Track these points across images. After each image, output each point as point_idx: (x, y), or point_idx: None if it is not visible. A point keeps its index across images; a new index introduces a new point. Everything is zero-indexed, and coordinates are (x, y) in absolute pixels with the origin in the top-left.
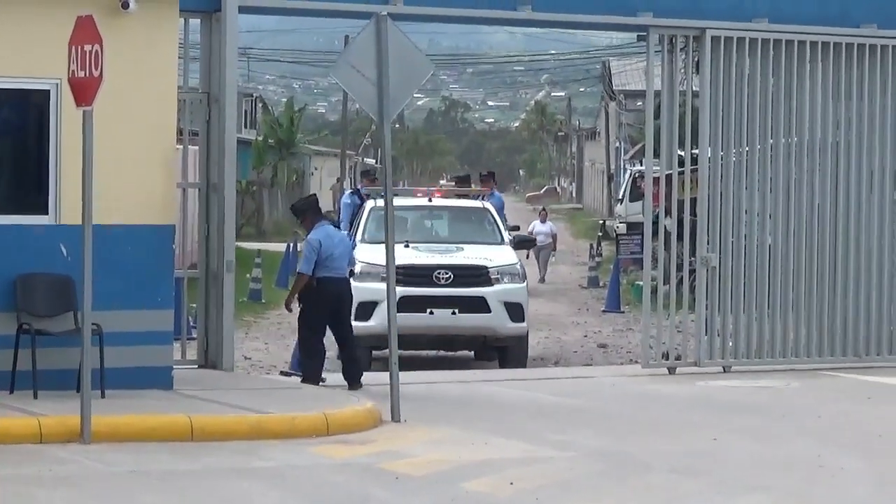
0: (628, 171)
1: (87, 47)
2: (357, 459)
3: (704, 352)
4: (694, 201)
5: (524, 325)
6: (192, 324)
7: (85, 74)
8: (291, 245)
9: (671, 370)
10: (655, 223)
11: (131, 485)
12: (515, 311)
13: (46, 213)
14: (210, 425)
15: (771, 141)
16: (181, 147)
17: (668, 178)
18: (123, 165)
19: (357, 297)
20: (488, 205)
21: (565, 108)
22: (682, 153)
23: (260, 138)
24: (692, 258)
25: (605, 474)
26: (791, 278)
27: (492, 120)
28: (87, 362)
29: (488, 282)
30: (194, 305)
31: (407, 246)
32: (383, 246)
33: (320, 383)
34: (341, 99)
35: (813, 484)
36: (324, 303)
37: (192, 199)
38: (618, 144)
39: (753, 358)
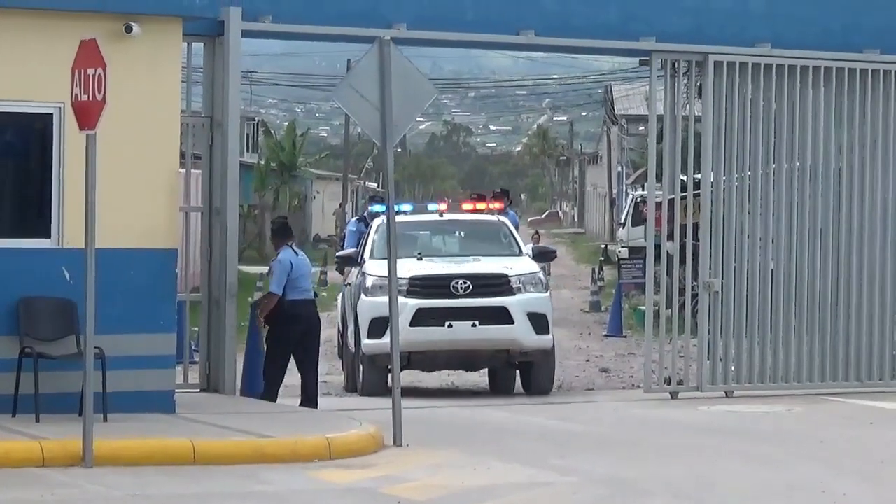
0: (630, 196)
1: (91, 71)
2: (359, 484)
3: (706, 377)
4: (696, 226)
5: (549, 337)
6: (194, 347)
7: (88, 98)
8: None
9: (673, 395)
10: (658, 248)
11: None
12: (540, 322)
13: (49, 237)
14: (212, 449)
15: (773, 165)
16: (184, 171)
17: (671, 202)
18: (126, 189)
19: (370, 314)
20: (504, 218)
21: (567, 132)
22: (685, 178)
23: (262, 162)
24: (694, 283)
25: (607, 499)
26: (793, 303)
27: (494, 144)
28: (89, 386)
29: (510, 291)
30: (196, 329)
31: (420, 258)
32: (399, 261)
33: None
34: (343, 123)
35: None
36: (294, 324)
37: (194, 222)
38: (620, 169)
39: (756, 383)
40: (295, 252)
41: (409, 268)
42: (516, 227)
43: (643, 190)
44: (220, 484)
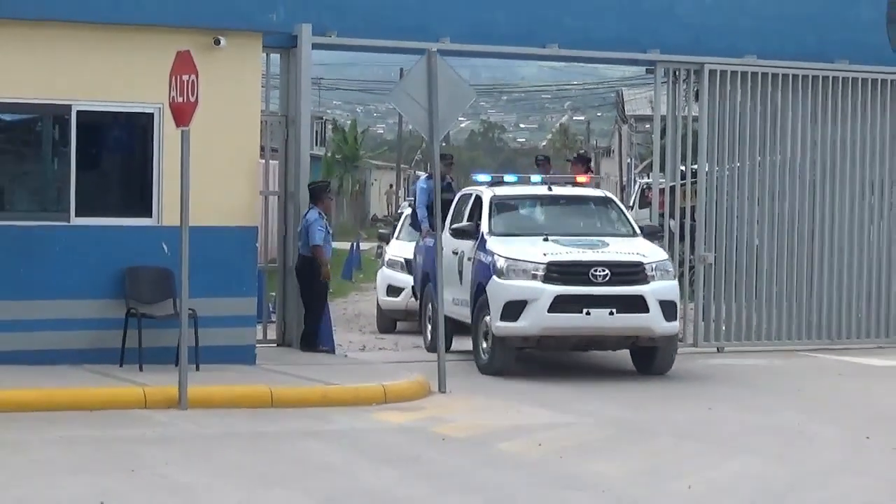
0: (637, 183)
1: (185, 77)
2: (410, 424)
3: (702, 335)
4: (693, 208)
5: (677, 323)
6: (271, 309)
7: (183, 100)
8: (354, 244)
9: None
10: (661, 226)
11: (220, 444)
12: (670, 309)
13: (150, 216)
14: (287, 395)
15: (759, 158)
16: (263, 161)
17: (672, 188)
18: (215, 176)
19: (503, 297)
20: (610, 194)
21: (585, 129)
22: (684, 168)
23: (328, 154)
24: (692, 256)
25: (618, 438)
26: (775, 273)
27: (523, 140)
28: (184, 341)
29: (645, 279)
30: (273, 294)
31: (546, 240)
32: (519, 240)
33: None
34: (397, 121)
35: (794, 448)
36: (317, 272)
37: (272, 205)
38: (629, 160)
39: (743, 340)
40: (318, 214)
41: (541, 251)
42: None
43: (649, 178)
44: (295, 424)
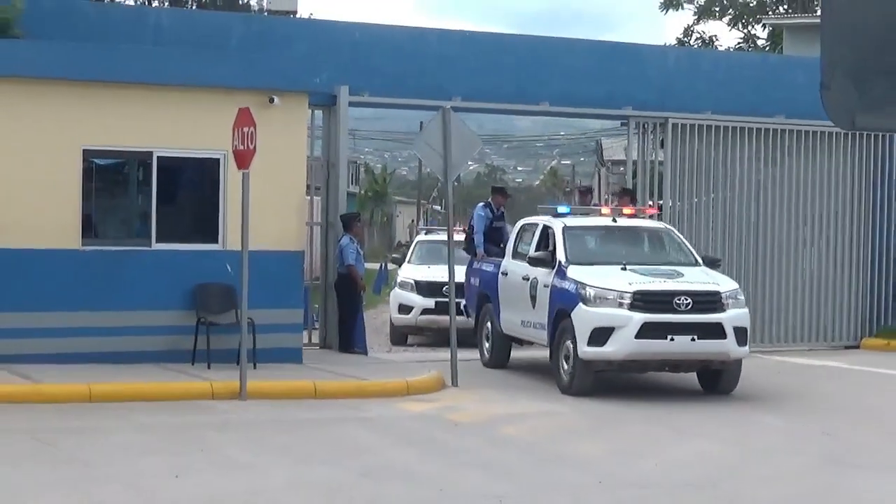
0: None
1: (246, 129)
2: (427, 412)
3: None
4: None
5: (747, 348)
6: (315, 318)
7: (244, 148)
8: (382, 265)
9: None
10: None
11: (274, 429)
12: (742, 335)
13: (216, 242)
14: (327, 388)
15: (713, 194)
16: (309, 197)
17: None
18: (269, 210)
19: (591, 323)
20: (669, 226)
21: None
22: (652, 202)
23: (362, 192)
24: None
25: (599, 425)
26: None
27: (520, 180)
28: (244, 344)
29: (722, 307)
30: (317, 305)
31: (624, 269)
32: (597, 269)
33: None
34: (418, 165)
35: (742, 433)
36: (352, 287)
37: (316, 233)
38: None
39: None
40: (350, 239)
41: (625, 280)
42: None
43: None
44: (334, 412)
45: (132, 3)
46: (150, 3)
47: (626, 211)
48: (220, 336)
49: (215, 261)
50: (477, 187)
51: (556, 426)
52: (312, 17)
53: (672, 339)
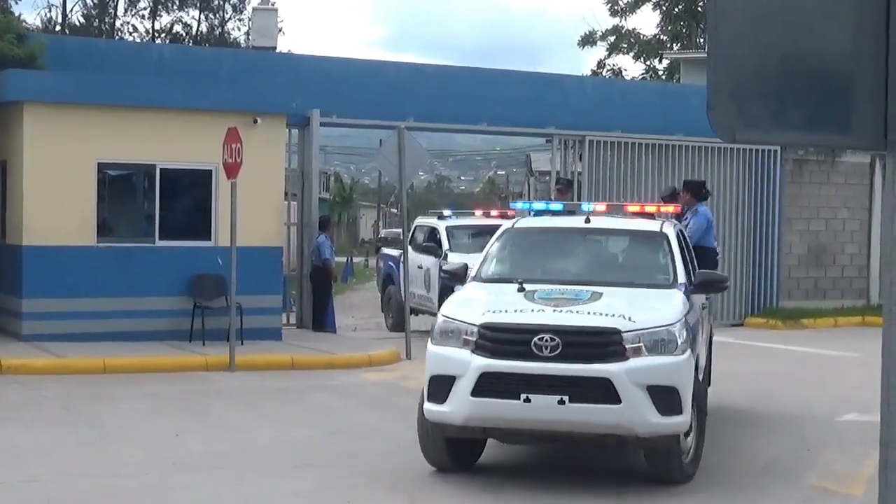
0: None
1: (234, 145)
2: (386, 380)
3: None
4: None
5: (681, 418)
6: (292, 302)
7: (232, 161)
8: (349, 258)
9: None
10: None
11: (258, 396)
12: (664, 397)
13: (210, 240)
14: (303, 361)
15: (624, 199)
16: (287, 202)
17: None
18: (253, 212)
19: (430, 369)
20: (669, 229)
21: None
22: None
23: (332, 197)
24: None
25: None
26: None
27: (463, 188)
28: (233, 325)
29: (618, 354)
30: (294, 292)
31: (522, 288)
32: (497, 287)
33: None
34: (378, 175)
35: None
36: (329, 274)
37: (293, 232)
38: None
39: None
40: (325, 237)
41: (490, 307)
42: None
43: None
44: (308, 381)
45: (139, 40)
46: (153, 40)
47: (633, 208)
48: (213, 318)
49: (208, 255)
50: (427, 194)
51: None
52: (290, 52)
53: (527, 401)
